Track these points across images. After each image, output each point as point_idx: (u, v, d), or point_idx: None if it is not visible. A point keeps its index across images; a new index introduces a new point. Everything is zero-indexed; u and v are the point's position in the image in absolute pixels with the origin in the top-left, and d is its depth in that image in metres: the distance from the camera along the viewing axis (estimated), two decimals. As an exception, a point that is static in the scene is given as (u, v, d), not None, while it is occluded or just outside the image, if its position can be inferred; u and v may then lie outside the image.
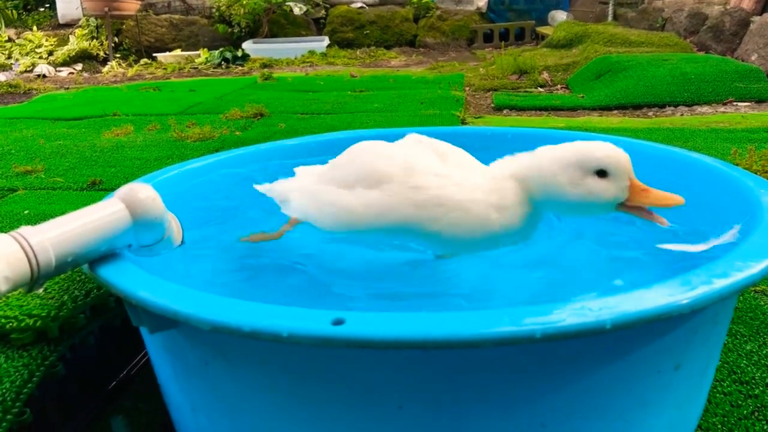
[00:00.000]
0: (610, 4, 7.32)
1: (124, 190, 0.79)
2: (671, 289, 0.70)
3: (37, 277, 0.68)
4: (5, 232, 1.72)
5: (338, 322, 0.65)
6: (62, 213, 1.87)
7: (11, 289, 0.65)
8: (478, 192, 1.01)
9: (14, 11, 8.40)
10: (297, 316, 0.67)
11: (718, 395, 1.07)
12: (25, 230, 0.68)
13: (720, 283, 0.72)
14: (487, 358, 0.71)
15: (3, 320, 0.96)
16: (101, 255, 0.79)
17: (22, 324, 0.96)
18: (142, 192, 0.79)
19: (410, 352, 0.69)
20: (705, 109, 3.59)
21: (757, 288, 1.43)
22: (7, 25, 8.13)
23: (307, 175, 1.25)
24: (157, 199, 0.81)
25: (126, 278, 0.77)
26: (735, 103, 3.67)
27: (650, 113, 3.59)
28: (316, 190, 1.16)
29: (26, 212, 1.95)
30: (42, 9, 8.81)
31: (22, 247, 0.66)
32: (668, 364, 0.79)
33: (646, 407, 0.80)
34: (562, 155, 0.98)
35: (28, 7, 8.81)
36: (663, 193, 0.96)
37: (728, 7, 5.53)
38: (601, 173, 0.96)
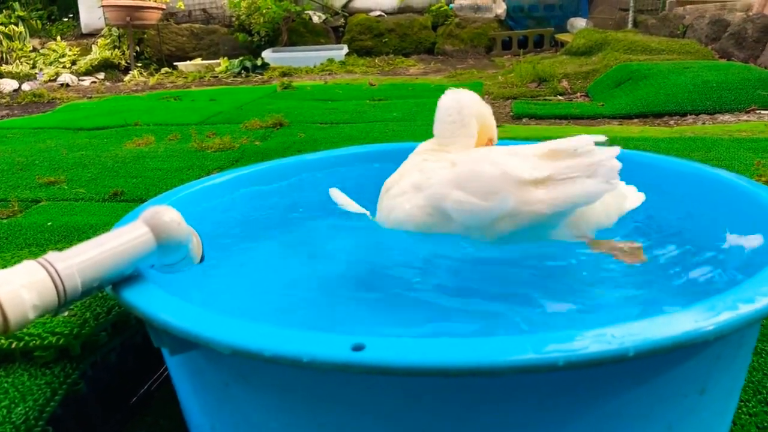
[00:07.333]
0: (630, 12, 7.27)
1: (149, 213, 0.80)
2: (696, 315, 0.69)
3: (63, 303, 0.68)
4: (30, 249, 1.72)
5: (358, 348, 0.65)
6: (84, 224, 1.92)
7: (39, 316, 0.66)
8: None
9: (39, 21, 8.54)
10: (317, 341, 0.67)
11: (743, 416, 1.05)
12: (51, 256, 0.68)
13: (746, 309, 0.70)
14: (508, 384, 0.70)
15: (27, 338, 0.97)
16: (125, 278, 0.79)
17: (45, 342, 0.96)
18: (167, 215, 0.79)
19: (431, 378, 0.69)
20: (727, 117, 3.55)
21: (783, 305, 1.40)
22: (31, 35, 8.27)
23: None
24: (182, 222, 0.82)
25: (147, 300, 0.78)
26: (758, 112, 3.61)
27: (671, 122, 3.56)
28: None
29: (49, 224, 1.97)
30: (66, 19, 8.95)
31: (50, 274, 0.66)
32: (694, 389, 0.78)
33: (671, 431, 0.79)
34: None
35: (53, 17, 8.96)
36: None
37: (751, 13, 5.46)
38: None
